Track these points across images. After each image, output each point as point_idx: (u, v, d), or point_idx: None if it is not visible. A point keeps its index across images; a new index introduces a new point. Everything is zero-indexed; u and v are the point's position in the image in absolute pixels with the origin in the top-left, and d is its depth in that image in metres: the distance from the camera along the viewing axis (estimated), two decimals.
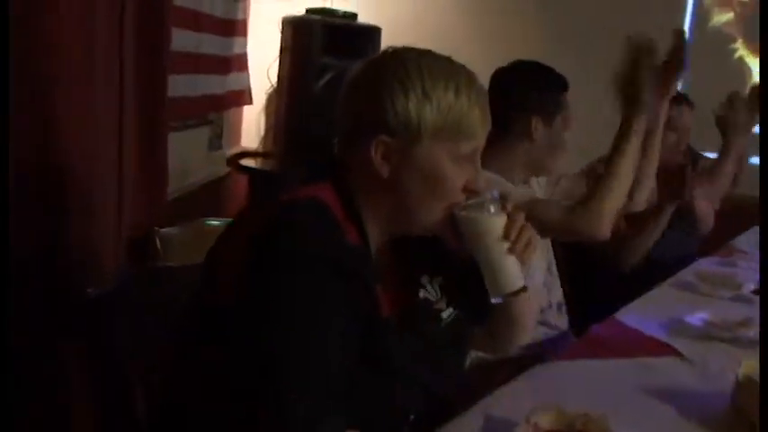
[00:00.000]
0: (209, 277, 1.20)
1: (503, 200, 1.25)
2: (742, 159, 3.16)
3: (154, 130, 2.50)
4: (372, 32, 3.88)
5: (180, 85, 2.93)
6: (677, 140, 2.72)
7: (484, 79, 1.33)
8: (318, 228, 1.13)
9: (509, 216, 1.24)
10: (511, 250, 1.23)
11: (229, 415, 1.14)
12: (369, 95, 1.21)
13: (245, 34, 3.90)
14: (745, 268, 2.56)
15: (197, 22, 3.20)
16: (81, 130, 1.93)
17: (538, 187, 2.24)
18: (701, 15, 4.10)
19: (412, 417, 1.34)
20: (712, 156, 3.07)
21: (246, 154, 3.98)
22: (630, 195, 2.05)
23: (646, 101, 1.92)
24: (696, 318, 1.90)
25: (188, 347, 1.22)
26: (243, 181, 3.89)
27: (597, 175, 2.00)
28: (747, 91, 2.94)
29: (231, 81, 3.74)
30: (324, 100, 3.60)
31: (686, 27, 3.97)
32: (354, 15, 4.02)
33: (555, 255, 2.26)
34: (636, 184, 2.07)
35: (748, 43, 4.06)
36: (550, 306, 2.19)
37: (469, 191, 1.24)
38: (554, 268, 2.24)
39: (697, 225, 2.84)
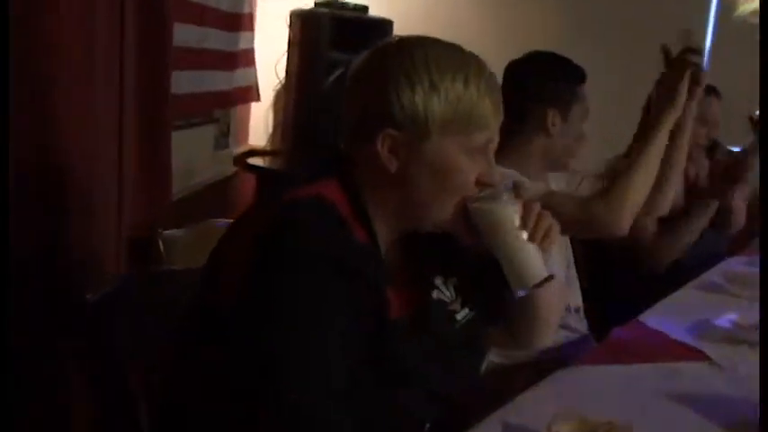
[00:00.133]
0: (212, 277, 1.18)
1: (516, 189, 1.20)
2: None
3: (156, 128, 2.50)
4: (384, 26, 3.81)
5: (184, 82, 2.90)
6: (707, 133, 2.68)
7: (498, 73, 1.27)
8: (320, 226, 1.11)
9: (524, 204, 1.20)
10: (530, 239, 1.19)
11: (230, 415, 1.13)
12: (374, 88, 1.18)
13: (251, 29, 3.86)
14: None
15: (202, 16, 3.16)
16: (81, 130, 1.94)
17: (556, 187, 2.18)
18: (725, 4, 4.02)
19: (428, 425, 1.31)
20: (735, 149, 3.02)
21: (254, 152, 3.93)
22: (655, 196, 1.99)
23: (683, 97, 1.86)
24: (724, 320, 1.87)
25: (188, 347, 1.22)
26: (251, 180, 3.84)
27: (617, 171, 1.94)
28: None
29: (238, 77, 3.70)
30: (334, 96, 3.55)
31: (711, 16, 3.90)
32: (365, 8, 3.96)
33: (573, 253, 2.20)
34: (661, 184, 2.01)
35: None
36: (569, 309, 2.13)
37: (483, 184, 1.20)
38: (573, 270, 2.19)
39: (731, 223, 2.78)
